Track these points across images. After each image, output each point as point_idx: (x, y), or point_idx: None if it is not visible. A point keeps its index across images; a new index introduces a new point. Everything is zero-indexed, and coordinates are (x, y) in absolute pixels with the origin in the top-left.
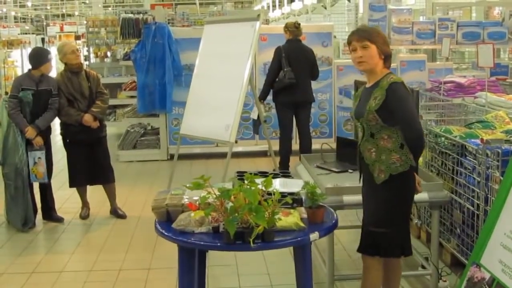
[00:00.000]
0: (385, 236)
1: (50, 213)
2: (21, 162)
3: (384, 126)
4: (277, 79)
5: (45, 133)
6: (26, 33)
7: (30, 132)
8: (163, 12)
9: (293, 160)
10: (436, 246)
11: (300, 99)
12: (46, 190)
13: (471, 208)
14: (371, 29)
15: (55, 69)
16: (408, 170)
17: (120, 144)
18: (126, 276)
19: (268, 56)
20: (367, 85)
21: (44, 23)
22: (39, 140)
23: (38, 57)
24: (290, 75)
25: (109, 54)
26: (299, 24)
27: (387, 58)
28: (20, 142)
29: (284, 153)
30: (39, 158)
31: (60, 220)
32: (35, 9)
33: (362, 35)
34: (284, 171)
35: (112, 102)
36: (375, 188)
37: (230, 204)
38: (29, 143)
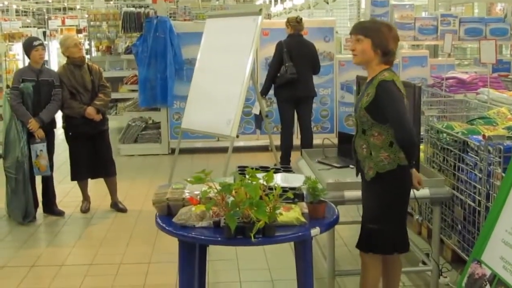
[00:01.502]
0: (378, 233)
1: (51, 207)
2: (22, 155)
3: (374, 123)
4: (278, 74)
5: (50, 126)
6: (27, 27)
7: (33, 124)
8: (164, 6)
9: (294, 155)
10: (437, 242)
11: (302, 94)
12: (47, 183)
13: (473, 204)
14: (371, 24)
15: (56, 62)
16: (396, 168)
17: (121, 138)
18: (126, 269)
19: (270, 50)
20: (367, 80)
21: (46, 17)
22: (41, 133)
23: (25, 47)
24: (291, 70)
25: (111, 47)
26: (301, 19)
27: (385, 53)
28: (21, 135)
29: (285, 148)
30: (41, 150)
31: (61, 214)
32: (36, 3)
33: (356, 29)
34: (285, 166)
35: (113, 96)
36: (367, 184)
37: (231, 198)
38: (31, 136)
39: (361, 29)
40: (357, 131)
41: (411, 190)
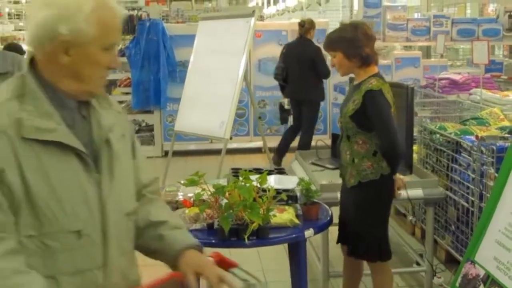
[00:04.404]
0: (363, 240)
1: None
2: None
3: (359, 131)
4: None
5: None
6: (20, 30)
7: None
8: (157, 9)
9: (288, 157)
10: (431, 243)
11: (295, 96)
12: None
13: (466, 205)
14: (335, 35)
15: None
16: (379, 179)
17: None
18: None
19: (263, 52)
20: (355, 82)
21: None
22: None
23: (19, 52)
24: (277, 70)
25: None
26: (304, 23)
27: (363, 58)
28: None
29: (280, 143)
30: None
31: None
32: None
33: (325, 45)
34: (278, 168)
35: None
36: (347, 190)
37: (225, 200)
38: None
39: (328, 45)
40: (342, 135)
41: (406, 191)
